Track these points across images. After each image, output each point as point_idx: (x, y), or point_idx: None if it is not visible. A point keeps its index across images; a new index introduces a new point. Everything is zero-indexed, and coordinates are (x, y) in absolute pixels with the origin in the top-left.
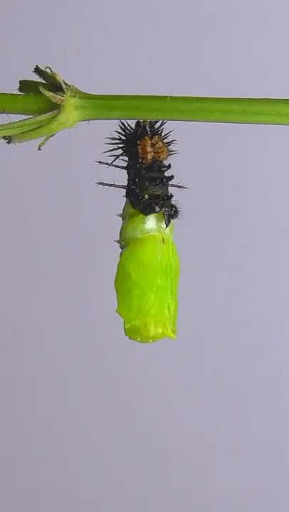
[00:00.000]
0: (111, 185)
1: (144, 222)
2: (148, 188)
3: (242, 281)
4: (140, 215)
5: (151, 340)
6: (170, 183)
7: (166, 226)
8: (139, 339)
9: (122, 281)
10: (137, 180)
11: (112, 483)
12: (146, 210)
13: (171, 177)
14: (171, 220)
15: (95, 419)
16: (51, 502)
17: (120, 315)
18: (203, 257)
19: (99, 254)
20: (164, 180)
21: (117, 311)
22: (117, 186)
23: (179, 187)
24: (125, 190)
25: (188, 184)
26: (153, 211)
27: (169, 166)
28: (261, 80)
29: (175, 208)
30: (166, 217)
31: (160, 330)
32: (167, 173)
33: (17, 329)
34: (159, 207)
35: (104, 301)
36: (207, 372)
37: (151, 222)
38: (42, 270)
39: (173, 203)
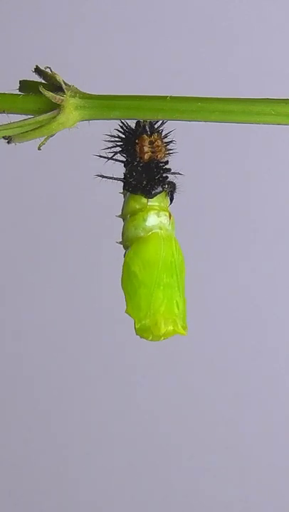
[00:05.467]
0: (110, 177)
1: (145, 220)
2: (144, 179)
3: (242, 280)
4: (140, 213)
5: (162, 338)
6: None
7: (171, 202)
8: (150, 338)
9: (129, 281)
10: (134, 174)
11: (112, 483)
12: (150, 192)
13: (168, 169)
14: (172, 217)
15: (94, 418)
16: (51, 502)
17: (130, 315)
18: (202, 257)
19: (99, 255)
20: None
21: (126, 311)
22: (115, 179)
23: (174, 173)
24: (123, 183)
25: (188, 184)
26: (156, 191)
27: (166, 162)
28: (261, 80)
29: (172, 183)
30: (169, 194)
31: (171, 327)
32: (165, 170)
33: (17, 327)
34: (160, 184)
35: (105, 302)
36: (207, 371)
37: (152, 218)
38: (42, 270)
39: (169, 179)
